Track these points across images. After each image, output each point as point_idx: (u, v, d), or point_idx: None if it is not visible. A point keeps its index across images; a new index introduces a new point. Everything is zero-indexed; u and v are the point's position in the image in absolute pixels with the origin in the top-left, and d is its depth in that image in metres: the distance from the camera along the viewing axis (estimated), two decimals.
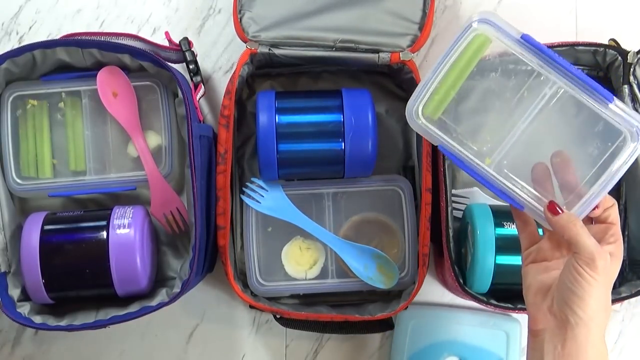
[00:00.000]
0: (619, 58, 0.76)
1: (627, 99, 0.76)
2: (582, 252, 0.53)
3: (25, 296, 0.74)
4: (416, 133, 0.80)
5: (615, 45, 0.77)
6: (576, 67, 0.79)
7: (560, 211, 0.56)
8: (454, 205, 0.79)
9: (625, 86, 0.76)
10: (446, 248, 0.72)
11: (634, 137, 0.57)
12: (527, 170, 0.59)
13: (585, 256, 0.53)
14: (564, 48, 0.76)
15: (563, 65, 0.58)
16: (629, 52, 0.76)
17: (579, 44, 0.76)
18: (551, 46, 0.76)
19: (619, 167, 0.57)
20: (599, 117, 0.58)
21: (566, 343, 0.54)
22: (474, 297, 0.72)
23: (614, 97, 0.57)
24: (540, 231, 0.62)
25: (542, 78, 0.59)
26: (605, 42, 0.77)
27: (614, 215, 0.57)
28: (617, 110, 0.57)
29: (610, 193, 0.79)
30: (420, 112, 0.60)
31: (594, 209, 0.57)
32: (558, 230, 0.56)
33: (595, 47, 0.76)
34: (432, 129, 0.60)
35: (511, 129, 0.60)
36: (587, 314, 0.53)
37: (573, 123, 0.60)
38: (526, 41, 0.58)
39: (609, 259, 0.54)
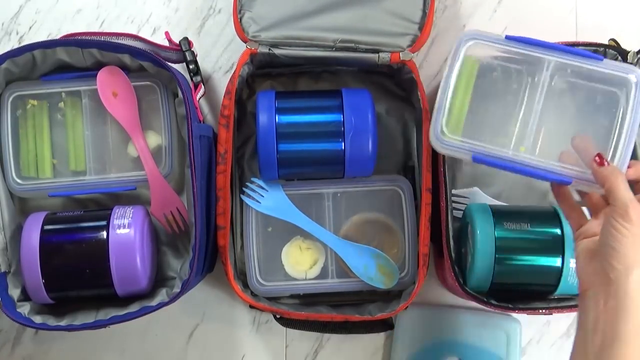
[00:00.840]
0: (619, 58, 0.76)
1: None
2: (617, 203, 0.55)
3: (25, 296, 0.74)
4: (416, 133, 0.80)
5: (615, 45, 0.77)
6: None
7: (606, 163, 0.59)
8: (454, 205, 0.79)
9: None
10: (446, 248, 0.72)
11: (635, 82, 0.64)
12: (557, 147, 0.65)
13: (619, 207, 0.55)
14: None
15: (551, 46, 0.65)
16: (629, 52, 0.76)
17: (579, 44, 0.76)
18: None
19: (634, 113, 0.63)
20: (597, 79, 0.65)
21: (608, 299, 0.55)
22: (474, 297, 0.72)
23: (603, 57, 0.65)
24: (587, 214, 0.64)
25: (537, 63, 0.66)
26: (606, 41, 0.77)
27: None
28: (610, 65, 0.65)
29: None
30: (446, 131, 0.66)
31: (628, 167, 0.61)
32: (600, 182, 0.58)
33: (595, 47, 0.76)
34: (464, 141, 0.66)
35: (530, 113, 0.66)
36: (624, 266, 0.54)
37: (579, 93, 0.67)
38: (511, 39, 0.66)
39: None
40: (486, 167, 0.67)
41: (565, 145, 0.64)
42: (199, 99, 0.77)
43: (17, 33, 0.85)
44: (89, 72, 0.77)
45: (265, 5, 0.76)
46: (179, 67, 0.78)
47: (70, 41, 0.74)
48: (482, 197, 0.80)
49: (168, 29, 0.84)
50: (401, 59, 0.76)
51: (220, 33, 0.85)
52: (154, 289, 0.76)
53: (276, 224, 0.78)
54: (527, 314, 0.75)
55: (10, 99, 0.77)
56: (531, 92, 0.67)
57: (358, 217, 0.78)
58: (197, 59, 0.77)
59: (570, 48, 0.66)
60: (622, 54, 0.76)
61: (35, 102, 0.77)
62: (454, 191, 0.80)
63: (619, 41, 0.77)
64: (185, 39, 0.77)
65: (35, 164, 0.77)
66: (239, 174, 0.81)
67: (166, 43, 0.77)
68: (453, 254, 0.73)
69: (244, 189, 0.78)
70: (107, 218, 0.73)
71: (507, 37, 0.66)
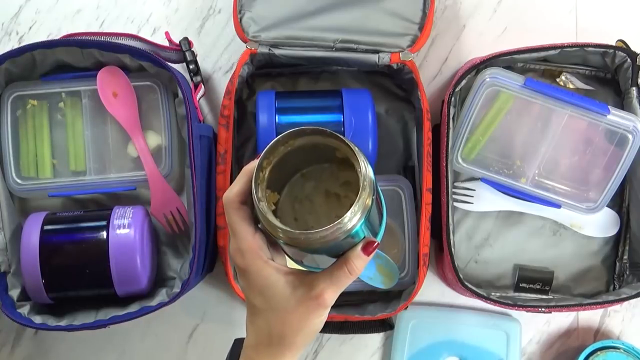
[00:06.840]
0: (628, 60, 0.75)
1: (635, 101, 0.75)
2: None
3: (25, 296, 0.74)
4: (416, 133, 0.80)
5: (624, 47, 0.76)
6: (583, 67, 0.79)
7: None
8: (460, 197, 0.79)
9: (634, 88, 0.76)
10: (446, 243, 0.73)
11: (632, 133, 0.74)
12: (553, 177, 0.77)
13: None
14: (574, 49, 0.76)
15: (562, 97, 0.73)
16: (638, 54, 0.75)
17: (589, 45, 0.75)
18: (562, 46, 0.76)
19: (626, 156, 0.74)
20: (599, 128, 0.75)
21: None
22: (474, 292, 0.72)
23: (608, 107, 0.74)
24: None
25: (549, 109, 0.75)
26: (605, 42, 0.77)
27: None
28: (615, 116, 0.74)
29: (614, 195, 0.79)
30: (460, 159, 0.76)
31: None
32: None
33: (604, 49, 0.76)
34: (474, 169, 0.77)
35: (535, 152, 0.76)
36: None
37: (582, 137, 0.76)
38: (529, 85, 0.74)
39: None
40: None
41: (560, 179, 0.76)
42: (199, 99, 0.77)
43: (17, 33, 0.85)
44: (89, 72, 0.77)
45: (265, 6, 0.76)
46: (179, 67, 0.78)
47: (70, 41, 0.74)
48: (487, 188, 0.80)
49: (168, 29, 0.84)
50: (401, 59, 0.76)
51: (220, 33, 0.85)
52: (154, 289, 0.76)
53: None
54: (527, 311, 0.75)
55: (10, 99, 0.77)
56: (540, 135, 0.76)
57: None
58: (197, 59, 0.77)
59: (583, 99, 0.74)
60: (631, 56, 0.75)
61: (35, 102, 0.77)
62: (458, 184, 0.81)
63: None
64: (185, 39, 0.77)
65: (35, 164, 0.77)
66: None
67: (166, 43, 0.77)
68: (454, 250, 0.73)
69: None
70: (107, 218, 0.73)
71: (527, 83, 0.73)
